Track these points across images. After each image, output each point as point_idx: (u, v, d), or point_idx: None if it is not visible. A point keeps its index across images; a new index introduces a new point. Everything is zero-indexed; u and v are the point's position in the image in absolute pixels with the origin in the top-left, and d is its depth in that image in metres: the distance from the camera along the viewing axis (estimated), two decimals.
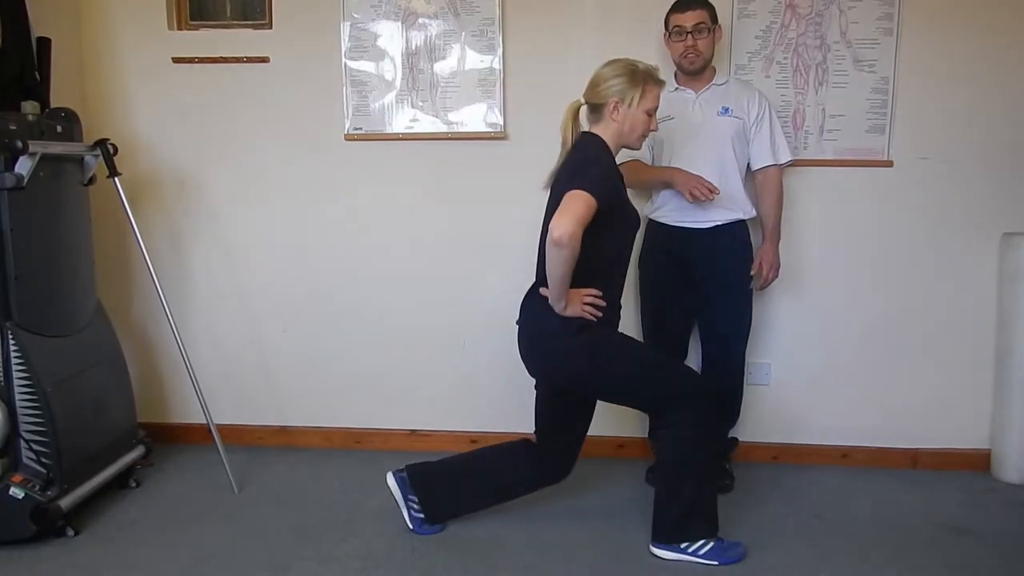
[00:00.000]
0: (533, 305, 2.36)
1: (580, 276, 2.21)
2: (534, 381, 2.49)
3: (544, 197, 3.08)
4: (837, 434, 3.09)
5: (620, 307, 2.42)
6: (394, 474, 2.54)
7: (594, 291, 2.27)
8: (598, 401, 2.52)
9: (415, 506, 2.51)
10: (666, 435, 2.34)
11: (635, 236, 2.45)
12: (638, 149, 2.46)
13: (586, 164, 2.24)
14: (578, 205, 2.12)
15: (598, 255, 2.24)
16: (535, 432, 2.55)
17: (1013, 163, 2.91)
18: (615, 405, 2.60)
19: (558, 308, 2.24)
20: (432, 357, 3.19)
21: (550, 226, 2.13)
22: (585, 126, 2.40)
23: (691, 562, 2.33)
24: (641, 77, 2.29)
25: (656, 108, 2.34)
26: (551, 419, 2.51)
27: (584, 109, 2.38)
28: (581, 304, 2.25)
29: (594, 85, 2.35)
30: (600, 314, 2.28)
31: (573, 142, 2.35)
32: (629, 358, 2.36)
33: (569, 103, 2.38)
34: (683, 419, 2.30)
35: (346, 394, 3.25)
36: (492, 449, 2.58)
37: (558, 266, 2.15)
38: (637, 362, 2.37)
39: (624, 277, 2.43)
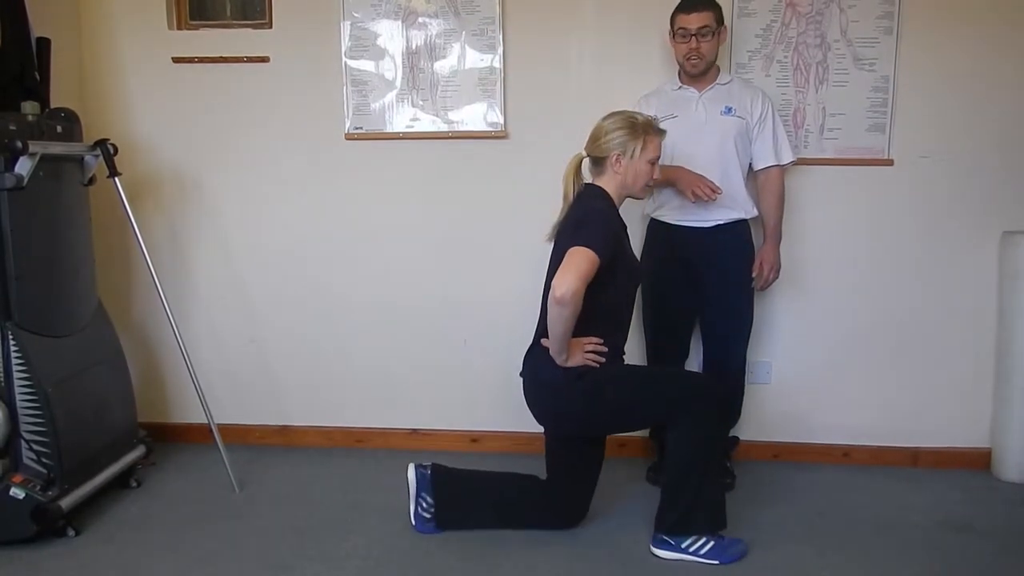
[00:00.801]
0: (536, 357, 2.38)
1: (581, 325, 2.23)
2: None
3: (543, 197, 3.10)
4: (838, 433, 3.09)
5: (624, 353, 2.45)
6: (416, 467, 2.53)
7: (595, 339, 2.30)
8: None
9: (425, 505, 2.51)
10: (674, 435, 2.34)
11: (636, 289, 2.49)
12: (642, 198, 2.50)
13: (588, 218, 2.26)
14: (580, 262, 2.14)
15: (600, 306, 2.26)
16: (547, 479, 2.55)
17: (1013, 162, 2.91)
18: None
19: (560, 361, 2.27)
20: (433, 356, 3.19)
21: (553, 284, 2.15)
22: (588, 178, 2.42)
23: (692, 562, 2.33)
24: (641, 129, 2.32)
25: (658, 158, 2.36)
26: (563, 465, 2.52)
27: (586, 162, 2.40)
28: (583, 354, 2.28)
29: (595, 139, 2.37)
30: (603, 360, 2.30)
31: (576, 194, 2.37)
32: (630, 382, 2.38)
33: (571, 158, 2.41)
34: (691, 420, 2.30)
35: (347, 393, 3.26)
36: (519, 477, 2.58)
37: (560, 323, 2.17)
38: (639, 382, 2.39)
39: (628, 325, 2.46)
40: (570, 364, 2.27)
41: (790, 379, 3.09)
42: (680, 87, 2.79)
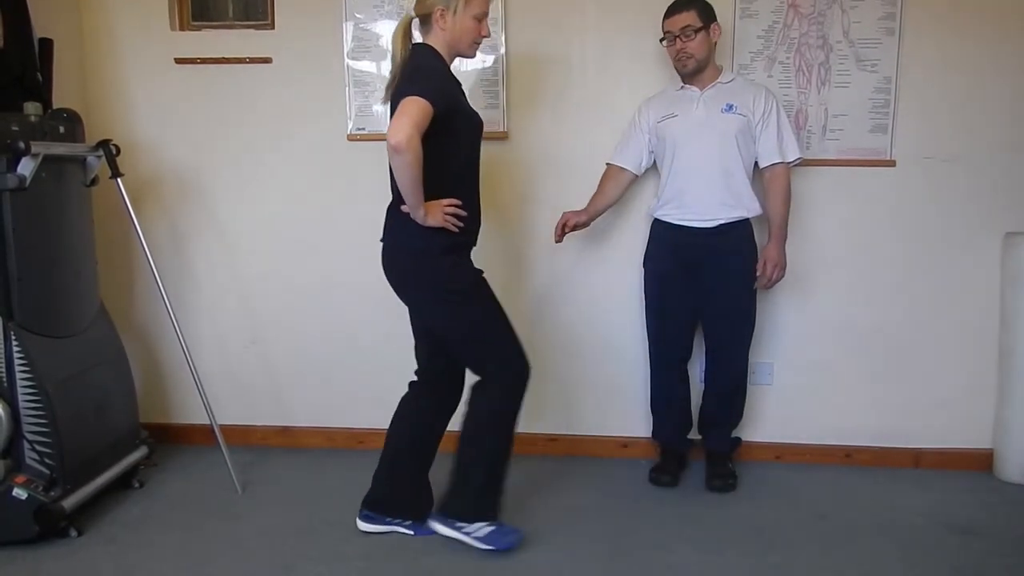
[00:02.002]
0: (397, 220, 2.32)
1: (435, 187, 2.20)
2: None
3: (547, 197, 3.11)
4: (840, 434, 3.09)
5: (480, 221, 2.42)
6: (361, 518, 2.53)
7: (455, 200, 2.26)
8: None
9: (399, 522, 2.51)
10: (473, 408, 2.36)
11: (480, 141, 2.40)
12: (472, 57, 2.42)
13: (419, 71, 2.22)
14: (412, 109, 2.09)
15: (447, 163, 2.23)
16: (417, 364, 2.55)
17: (1016, 163, 2.91)
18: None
19: (418, 218, 2.21)
20: None
21: (388, 133, 2.09)
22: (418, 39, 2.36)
23: (465, 542, 2.37)
24: None
25: (485, 14, 2.30)
26: (424, 342, 2.51)
27: (416, 23, 2.34)
28: (443, 214, 2.23)
29: None
30: (462, 224, 2.27)
31: (406, 55, 2.31)
32: (474, 308, 2.35)
33: (401, 18, 2.34)
34: (490, 394, 2.33)
35: (348, 394, 3.25)
36: (394, 427, 2.56)
37: (404, 172, 2.12)
38: (480, 316, 2.36)
39: (478, 187, 2.42)
40: (429, 223, 2.22)
41: (792, 380, 3.08)
42: (682, 87, 2.79)
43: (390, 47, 2.36)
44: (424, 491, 2.54)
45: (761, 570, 2.32)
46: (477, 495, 2.38)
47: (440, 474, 2.48)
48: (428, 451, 2.54)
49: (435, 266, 2.30)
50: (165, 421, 3.31)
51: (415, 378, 2.57)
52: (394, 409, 3.21)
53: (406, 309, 3.16)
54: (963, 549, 2.45)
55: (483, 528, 2.37)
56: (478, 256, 3.07)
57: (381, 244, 2.38)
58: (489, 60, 3.01)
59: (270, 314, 3.24)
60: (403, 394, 2.57)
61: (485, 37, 2.35)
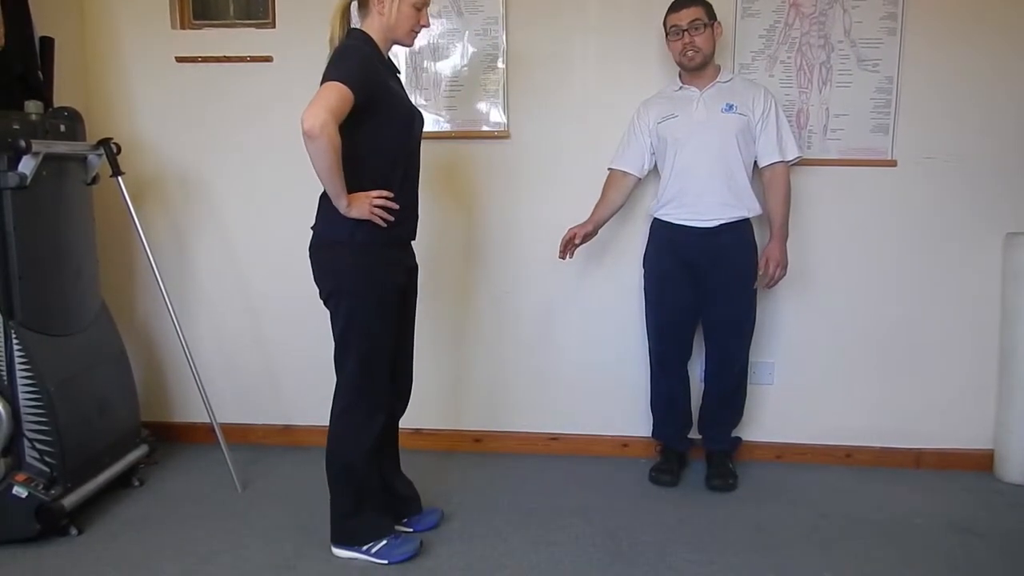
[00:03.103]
0: (323, 209, 2.23)
1: (363, 179, 2.14)
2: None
3: (545, 197, 3.11)
4: (840, 434, 3.08)
5: (417, 217, 2.34)
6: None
7: (385, 192, 2.17)
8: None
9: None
10: (331, 430, 2.30)
11: (414, 134, 2.29)
12: (409, 46, 2.34)
13: (343, 56, 2.14)
14: (328, 95, 2.02)
15: (374, 154, 2.16)
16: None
17: (1017, 163, 2.90)
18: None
19: (341, 208, 2.12)
20: (434, 355, 3.19)
21: (301, 118, 2.01)
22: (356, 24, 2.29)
23: (364, 560, 2.33)
24: None
25: (425, 3, 2.24)
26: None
27: (354, 6, 2.28)
28: (369, 206, 2.14)
29: None
30: (391, 218, 2.18)
31: (342, 37, 2.24)
32: (364, 317, 2.23)
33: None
34: (345, 418, 2.28)
35: None
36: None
37: (318, 159, 2.03)
38: (362, 326, 2.23)
39: (415, 182, 2.32)
40: (353, 215, 2.13)
41: (793, 380, 3.08)
42: (681, 87, 2.79)
43: (328, 29, 2.26)
44: (409, 487, 2.54)
45: (761, 570, 2.32)
46: (345, 519, 2.33)
47: (419, 470, 2.47)
48: (395, 451, 2.52)
49: (356, 262, 2.20)
50: (166, 420, 3.31)
51: None
52: None
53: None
54: (963, 549, 2.45)
55: (375, 545, 2.33)
56: (479, 256, 3.08)
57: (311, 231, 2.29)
58: (491, 60, 3.01)
59: (271, 312, 3.24)
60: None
61: (424, 27, 2.28)
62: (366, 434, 2.29)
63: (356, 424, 2.29)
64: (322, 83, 2.08)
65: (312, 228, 2.28)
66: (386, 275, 2.26)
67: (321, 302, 2.28)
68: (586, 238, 2.83)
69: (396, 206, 2.19)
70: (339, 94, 2.03)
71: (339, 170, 2.07)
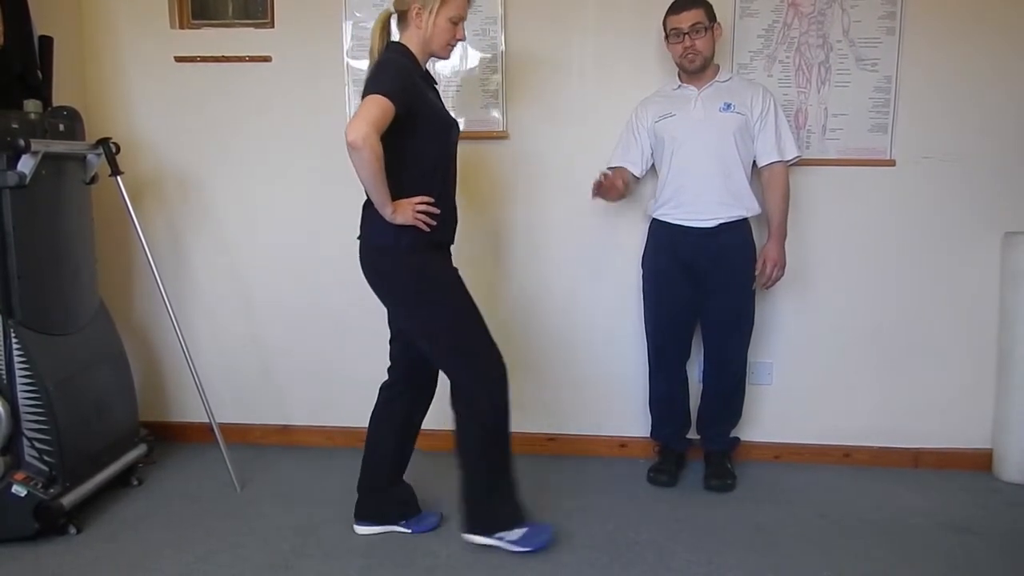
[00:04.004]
0: (368, 217, 2.32)
1: (402, 186, 2.20)
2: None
3: (544, 197, 3.11)
4: (839, 433, 3.09)
5: (456, 221, 2.40)
6: (359, 525, 2.52)
7: (426, 198, 2.25)
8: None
9: (400, 524, 2.51)
10: (463, 425, 2.34)
11: (451, 142, 2.37)
12: (446, 59, 2.42)
13: (384, 69, 2.21)
14: (370, 107, 2.10)
15: (413, 163, 2.23)
16: (390, 358, 2.55)
17: (1015, 163, 2.90)
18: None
19: (387, 215, 2.20)
20: None
21: (345, 131, 2.09)
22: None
23: (502, 548, 2.35)
24: None
25: (461, 18, 2.29)
26: (398, 337, 2.51)
27: (393, 20, 2.34)
28: (413, 211, 2.22)
29: None
30: (434, 223, 2.26)
31: (382, 50, 2.31)
32: (449, 306, 2.32)
33: (380, 13, 2.34)
34: (476, 407, 2.31)
35: (347, 393, 3.25)
36: (372, 426, 2.55)
37: (363, 169, 2.12)
38: (452, 319, 2.33)
39: (453, 188, 2.40)
40: (398, 221, 2.21)
41: (791, 380, 3.08)
42: (679, 86, 2.79)
43: (369, 42, 2.35)
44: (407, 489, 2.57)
45: (759, 570, 2.32)
46: (495, 506, 2.37)
47: (418, 471, 2.48)
48: (411, 448, 2.56)
49: (406, 264, 2.29)
50: (164, 419, 3.31)
51: (387, 378, 2.55)
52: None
53: None
54: (962, 549, 2.45)
55: (515, 532, 2.36)
56: (479, 257, 3.08)
57: (357, 242, 2.37)
58: (489, 60, 3.01)
59: (269, 312, 3.24)
60: (376, 400, 2.55)
61: (460, 40, 2.34)
62: (499, 397, 2.33)
63: (487, 395, 2.33)
64: (363, 96, 2.14)
65: (358, 237, 2.35)
66: (438, 266, 2.35)
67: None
68: (612, 188, 2.74)
69: (437, 211, 2.27)
70: (380, 107, 2.10)
71: (383, 179, 2.15)
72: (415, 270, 2.29)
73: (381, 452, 2.52)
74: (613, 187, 2.72)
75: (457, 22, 2.29)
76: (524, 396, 3.17)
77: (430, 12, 2.25)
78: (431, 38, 2.28)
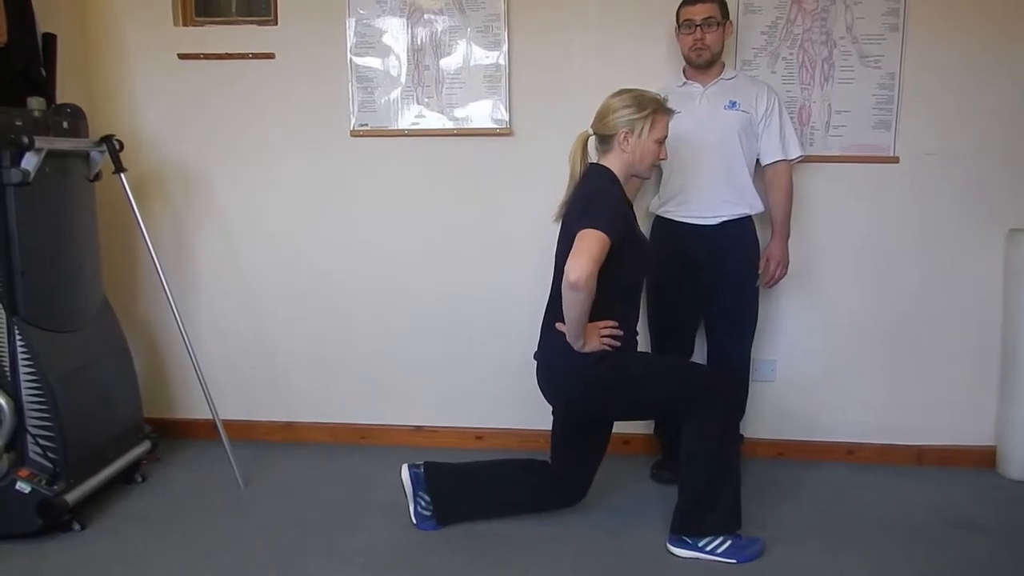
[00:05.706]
0: (551, 340, 2.35)
1: (596, 308, 2.20)
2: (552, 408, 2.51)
3: (548, 194, 3.10)
4: (842, 430, 3.08)
5: (637, 334, 2.43)
6: (409, 468, 2.53)
7: (611, 323, 2.27)
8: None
9: (423, 503, 2.51)
10: (691, 429, 2.32)
11: (652, 268, 2.46)
12: (648, 178, 2.48)
13: (596, 199, 2.23)
14: (592, 244, 2.12)
15: (613, 287, 2.24)
16: (551, 457, 2.56)
17: (1019, 159, 2.90)
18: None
19: (577, 346, 2.24)
20: (438, 353, 3.20)
21: (566, 269, 2.12)
22: (593, 157, 2.39)
23: (707, 560, 2.33)
24: (650, 107, 2.29)
25: (665, 137, 2.33)
26: (569, 447, 2.53)
27: (593, 140, 2.38)
28: (599, 339, 2.25)
29: (602, 116, 2.34)
30: (619, 344, 2.29)
31: (582, 174, 2.35)
32: (651, 373, 2.38)
33: (578, 134, 2.38)
34: (708, 413, 2.30)
35: (352, 390, 3.26)
36: (511, 463, 2.59)
37: (575, 307, 2.15)
38: (656, 375, 2.38)
39: (639, 307, 2.44)
40: (587, 350, 2.25)
41: (795, 377, 3.08)
42: (684, 83, 2.79)
43: (568, 163, 2.38)
44: None
45: (763, 566, 2.32)
46: (724, 511, 2.35)
47: None
48: (505, 510, 2.59)
49: (591, 375, 2.29)
50: (168, 416, 3.31)
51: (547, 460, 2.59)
52: (395, 404, 3.25)
53: (407, 307, 3.19)
54: (965, 546, 2.45)
55: (723, 543, 2.35)
56: (481, 255, 3.08)
57: (535, 360, 2.41)
58: (493, 57, 3.01)
59: (273, 309, 3.24)
60: (531, 460, 2.60)
61: (663, 160, 2.37)
62: (735, 413, 2.44)
63: (731, 416, 2.40)
64: (578, 227, 2.16)
65: (539, 358, 2.41)
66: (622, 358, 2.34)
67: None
68: None
69: (621, 333, 2.29)
70: (601, 244, 2.13)
71: (588, 316, 2.19)
72: (609, 373, 2.29)
73: (483, 468, 2.58)
74: None
75: (662, 142, 2.32)
76: (525, 394, 3.16)
77: (638, 135, 2.27)
78: (638, 160, 2.31)
